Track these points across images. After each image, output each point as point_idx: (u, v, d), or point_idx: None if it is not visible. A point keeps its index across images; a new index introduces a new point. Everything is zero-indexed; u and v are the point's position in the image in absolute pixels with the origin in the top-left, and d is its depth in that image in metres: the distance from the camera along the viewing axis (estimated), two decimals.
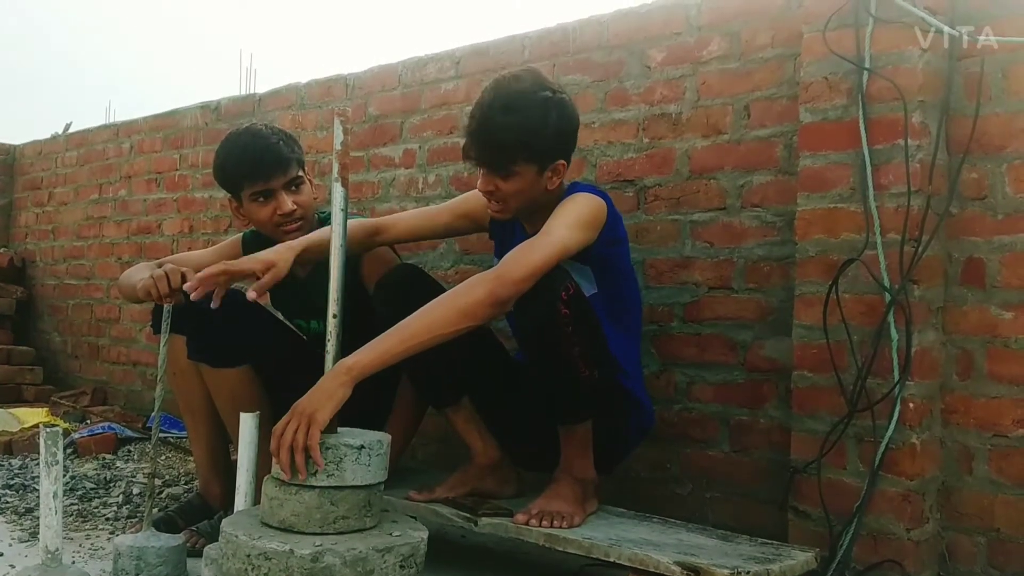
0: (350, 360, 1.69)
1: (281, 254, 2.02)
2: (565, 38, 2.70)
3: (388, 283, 2.09)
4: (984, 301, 1.96)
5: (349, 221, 2.01)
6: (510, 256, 1.85)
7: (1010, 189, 1.93)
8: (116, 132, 4.64)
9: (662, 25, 2.48)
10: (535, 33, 2.80)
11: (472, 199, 2.25)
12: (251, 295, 1.91)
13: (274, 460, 1.61)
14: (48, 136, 5.26)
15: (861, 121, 1.99)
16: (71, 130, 5.18)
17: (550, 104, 1.98)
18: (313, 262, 2.17)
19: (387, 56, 5.95)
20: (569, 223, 1.92)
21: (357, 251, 2.12)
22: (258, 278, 1.97)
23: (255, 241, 2.54)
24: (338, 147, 1.70)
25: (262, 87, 3.95)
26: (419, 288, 2.07)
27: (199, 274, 1.96)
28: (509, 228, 2.20)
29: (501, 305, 1.81)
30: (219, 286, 1.96)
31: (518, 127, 1.94)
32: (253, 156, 2.32)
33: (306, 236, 2.13)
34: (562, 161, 2.03)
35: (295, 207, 2.34)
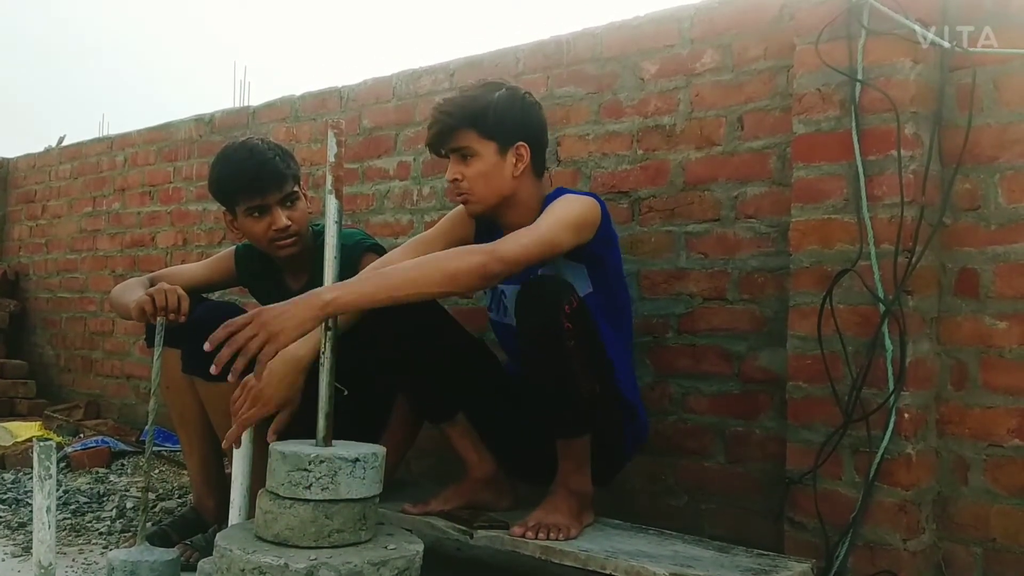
0: (328, 294, 1.66)
1: (292, 384, 1.92)
2: (559, 50, 2.71)
3: None
4: (978, 311, 1.96)
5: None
6: (504, 238, 1.87)
7: (1003, 199, 1.94)
8: (110, 145, 4.64)
9: (655, 38, 2.49)
10: (529, 45, 2.81)
11: (456, 220, 2.25)
12: (271, 438, 1.86)
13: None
14: (42, 149, 5.26)
15: (854, 132, 1.99)
16: (65, 143, 5.17)
17: (498, 87, 2.09)
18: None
19: (381, 68, 5.97)
20: (559, 219, 1.95)
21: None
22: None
23: (248, 255, 2.54)
24: (332, 159, 1.70)
25: (256, 100, 3.96)
26: (416, 305, 2.07)
27: (227, 440, 1.91)
28: (490, 239, 2.20)
29: (487, 279, 1.82)
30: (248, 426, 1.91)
31: (464, 102, 2.06)
32: (249, 171, 2.31)
33: (314, 343, 1.88)
34: (523, 144, 2.06)
35: (290, 223, 2.33)
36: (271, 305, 1.66)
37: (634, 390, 2.17)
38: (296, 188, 2.37)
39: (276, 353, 1.59)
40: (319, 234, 2.43)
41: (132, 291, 2.32)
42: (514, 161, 2.06)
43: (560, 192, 2.09)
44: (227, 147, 2.42)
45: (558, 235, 1.92)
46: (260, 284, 2.59)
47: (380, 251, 2.39)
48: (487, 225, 2.17)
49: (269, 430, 1.88)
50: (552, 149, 2.68)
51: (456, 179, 2.07)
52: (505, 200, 2.09)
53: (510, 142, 2.06)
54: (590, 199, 2.04)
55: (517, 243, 1.86)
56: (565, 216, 1.96)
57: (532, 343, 1.91)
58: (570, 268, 2.03)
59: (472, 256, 1.81)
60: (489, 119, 2.04)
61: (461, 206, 2.17)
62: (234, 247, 2.60)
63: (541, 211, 2.03)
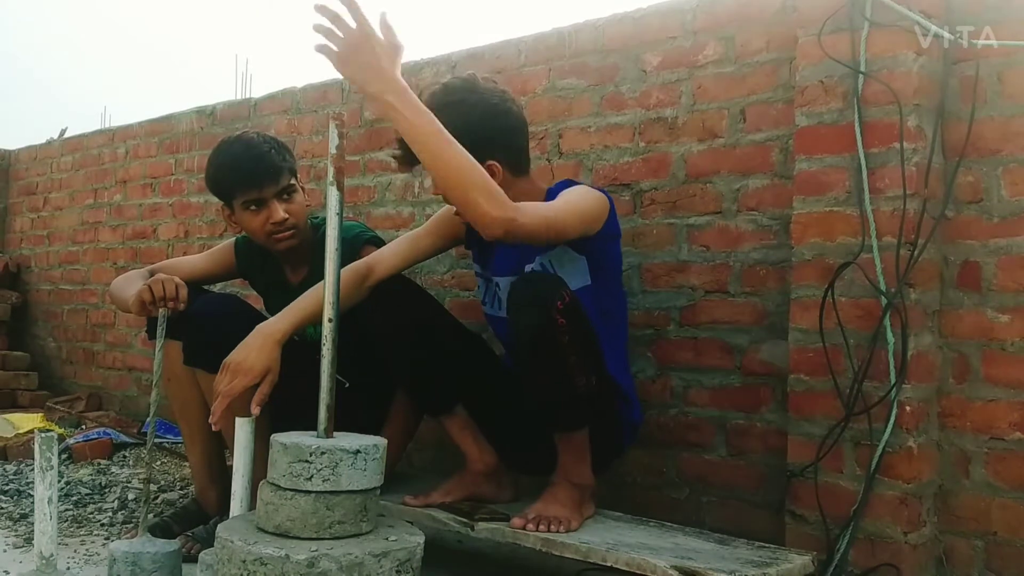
0: (395, 85, 1.73)
1: (270, 354, 1.96)
2: (561, 42, 2.71)
3: (382, 296, 2.08)
4: (980, 304, 1.96)
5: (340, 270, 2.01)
6: (525, 207, 1.84)
7: (1006, 192, 1.94)
8: (111, 137, 4.64)
9: (658, 29, 2.48)
10: (531, 37, 2.80)
11: (446, 215, 2.25)
12: (255, 410, 1.89)
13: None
14: (43, 141, 5.25)
15: (857, 125, 1.99)
16: (66, 135, 5.17)
17: (461, 102, 2.01)
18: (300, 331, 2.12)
19: None
20: (572, 206, 1.95)
21: (352, 299, 2.06)
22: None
23: (247, 247, 2.54)
24: (333, 151, 1.69)
25: (258, 92, 3.96)
26: (413, 301, 2.07)
27: (213, 415, 1.94)
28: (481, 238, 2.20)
29: (501, 228, 1.78)
30: (231, 405, 1.93)
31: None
32: (245, 165, 2.31)
33: (289, 319, 2.04)
34: (493, 163, 2.00)
35: (287, 216, 2.33)
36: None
37: (628, 380, 2.17)
38: (293, 181, 2.37)
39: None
40: (318, 227, 2.43)
41: (132, 284, 2.32)
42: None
43: (568, 184, 2.09)
44: (223, 142, 2.42)
45: (568, 222, 1.93)
46: (259, 276, 2.59)
47: (380, 243, 2.39)
48: None
49: (252, 401, 1.90)
50: (554, 141, 2.68)
51: (438, 193, 2.03)
52: None
53: (480, 162, 1.94)
54: (600, 194, 2.05)
55: (535, 217, 1.84)
56: (577, 205, 1.97)
57: (526, 341, 1.91)
58: (571, 259, 2.03)
59: (501, 209, 1.76)
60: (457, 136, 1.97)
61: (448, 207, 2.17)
62: (234, 239, 2.60)
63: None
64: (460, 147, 1.78)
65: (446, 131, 1.76)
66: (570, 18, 2.86)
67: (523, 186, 2.09)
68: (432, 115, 1.77)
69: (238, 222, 2.39)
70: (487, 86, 2.09)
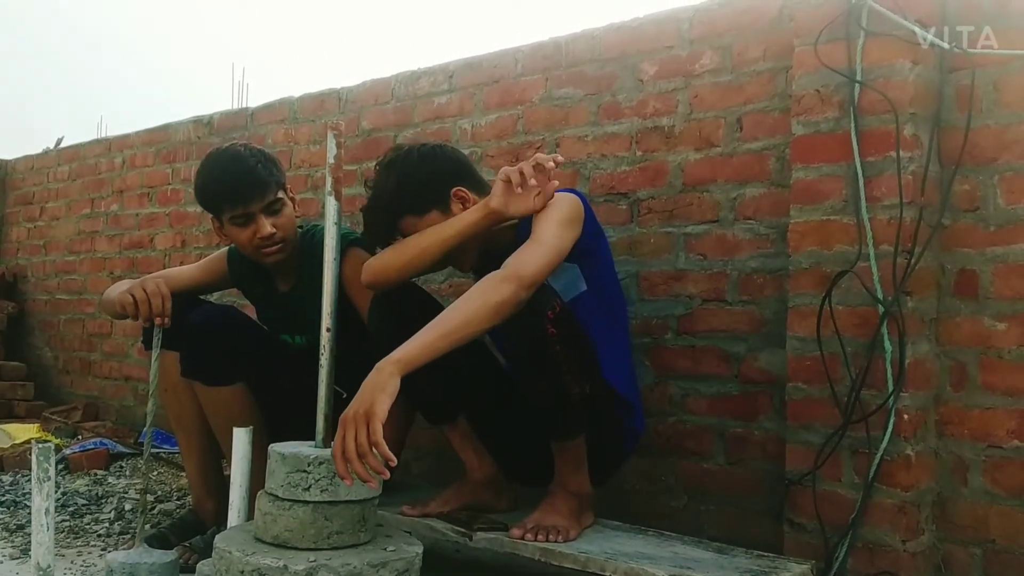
0: (396, 355, 1.65)
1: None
2: (558, 51, 2.71)
3: (387, 299, 2.09)
4: (977, 312, 1.96)
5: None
6: (517, 259, 1.84)
7: (1002, 200, 1.94)
8: (108, 146, 4.64)
9: (654, 39, 2.49)
10: (528, 47, 2.81)
11: None
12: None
13: (343, 477, 1.55)
14: (40, 151, 5.25)
15: (853, 133, 1.99)
16: (63, 145, 5.17)
17: (393, 163, 2.11)
18: None
19: (380, 70, 5.96)
20: (557, 223, 1.94)
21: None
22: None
23: (240, 257, 2.53)
24: (331, 161, 1.70)
25: (255, 101, 3.95)
26: (417, 303, 2.07)
27: None
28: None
29: (520, 305, 1.80)
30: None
31: (386, 197, 2.09)
32: (231, 180, 2.28)
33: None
34: (458, 188, 2.08)
35: (274, 230, 2.30)
36: (348, 406, 1.60)
37: (630, 385, 2.16)
38: (280, 195, 2.34)
39: (382, 426, 1.54)
40: (306, 234, 2.42)
41: (122, 290, 2.32)
42: (461, 206, 2.06)
43: None
44: (210, 154, 2.40)
45: (562, 240, 1.92)
46: (251, 286, 2.58)
47: (365, 245, 2.37)
48: None
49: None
50: (551, 150, 2.68)
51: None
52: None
53: (445, 199, 2.06)
54: (571, 195, 2.04)
55: (534, 264, 1.83)
56: (560, 218, 1.96)
57: (518, 350, 1.91)
58: (563, 269, 2.03)
59: (504, 286, 1.78)
60: (411, 198, 2.04)
61: None
62: (227, 248, 2.59)
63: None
64: (450, 311, 1.76)
65: (429, 327, 1.73)
66: (567, 28, 2.87)
67: None
68: (412, 340, 1.70)
69: (227, 235, 2.38)
70: (415, 143, 2.20)
